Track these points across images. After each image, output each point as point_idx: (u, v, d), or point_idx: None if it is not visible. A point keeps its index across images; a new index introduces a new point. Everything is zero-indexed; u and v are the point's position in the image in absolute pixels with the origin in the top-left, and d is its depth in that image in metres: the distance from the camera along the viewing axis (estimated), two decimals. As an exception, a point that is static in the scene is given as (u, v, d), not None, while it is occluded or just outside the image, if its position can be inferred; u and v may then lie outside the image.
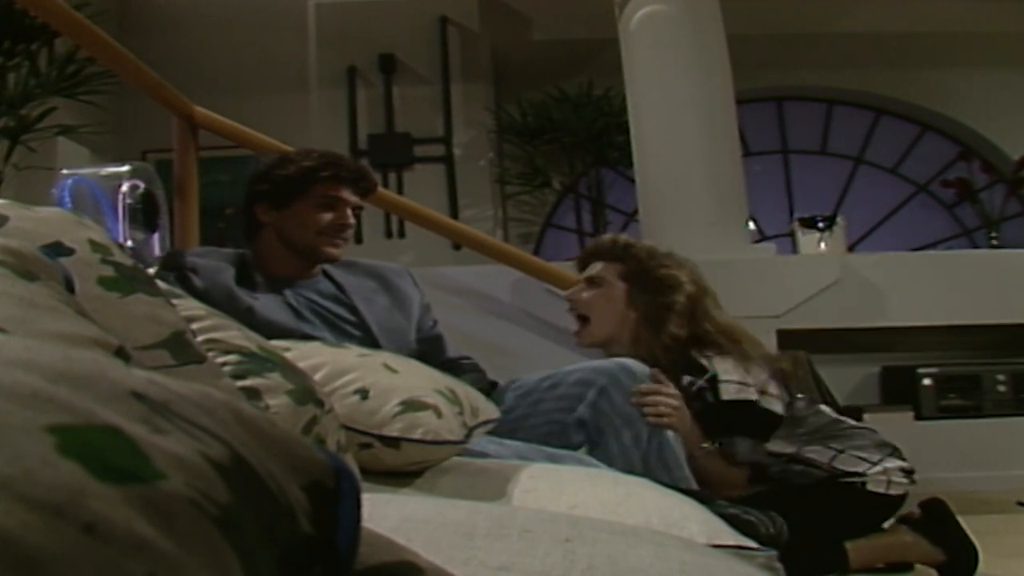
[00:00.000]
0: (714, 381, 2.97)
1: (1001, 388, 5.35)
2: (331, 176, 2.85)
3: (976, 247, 8.26)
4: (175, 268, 2.75)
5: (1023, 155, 7.97)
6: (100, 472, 0.35)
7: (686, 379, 2.99)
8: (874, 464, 2.98)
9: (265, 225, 2.87)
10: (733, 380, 2.97)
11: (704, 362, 3.01)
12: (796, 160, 8.83)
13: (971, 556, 2.94)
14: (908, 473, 3.06)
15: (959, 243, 8.50)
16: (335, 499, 0.45)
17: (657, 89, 5.77)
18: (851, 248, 7.45)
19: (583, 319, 3.17)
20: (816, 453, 3.02)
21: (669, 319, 3.04)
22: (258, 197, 2.89)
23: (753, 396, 2.97)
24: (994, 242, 7.92)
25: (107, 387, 0.40)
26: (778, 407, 3.03)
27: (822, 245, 5.85)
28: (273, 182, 2.86)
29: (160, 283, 1.29)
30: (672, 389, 2.73)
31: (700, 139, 5.61)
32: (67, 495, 0.33)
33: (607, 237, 3.25)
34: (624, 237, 3.25)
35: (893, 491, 2.97)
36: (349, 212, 2.88)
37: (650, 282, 3.10)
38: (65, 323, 0.72)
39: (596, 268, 3.15)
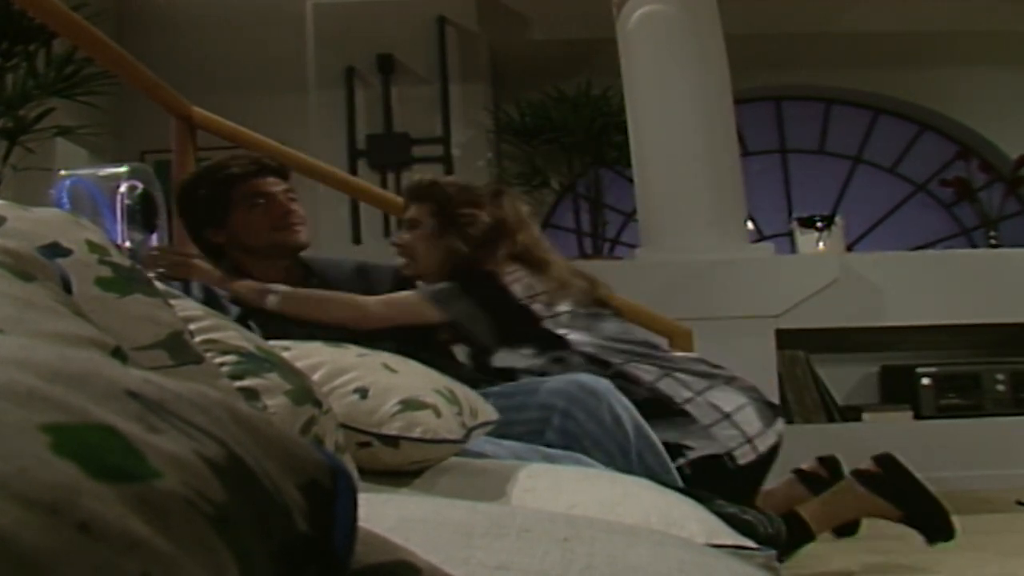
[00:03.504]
0: None
1: (1000, 387, 5.36)
2: (240, 175, 2.88)
3: (975, 246, 8.25)
4: None
5: (1022, 154, 7.96)
6: (95, 471, 0.35)
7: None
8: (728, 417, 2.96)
9: (223, 245, 2.92)
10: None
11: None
12: (794, 159, 8.82)
13: (939, 510, 2.94)
14: (772, 411, 3.06)
15: (958, 242, 8.50)
16: (332, 498, 0.45)
17: (655, 89, 5.78)
18: (850, 247, 7.44)
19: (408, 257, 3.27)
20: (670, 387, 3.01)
21: (470, 254, 3.15)
22: (199, 224, 2.93)
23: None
24: (993, 241, 7.90)
25: (102, 386, 0.40)
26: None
27: (820, 245, 5.85)
28: (199, 206, 2.91)
29: (158, 283, 1.29)
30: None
31: (698, 139, 5.62)
32: (62, 494, 0.33)
33: (415, 179, 3.36)
34: (430, 177, 3.36)
35: (762, 448, 2.94)
36: (281, 198, 2.90)
37: (452, 219, 3.18)
38: (62, 323, 0.72)
39: (411, 211, 3.22)
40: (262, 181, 2.90)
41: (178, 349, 1.11)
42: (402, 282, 3.13)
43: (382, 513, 1.05)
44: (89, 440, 0.37)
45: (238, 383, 1.29)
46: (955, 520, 3.01)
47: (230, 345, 1.35)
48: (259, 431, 0.43)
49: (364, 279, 3.03)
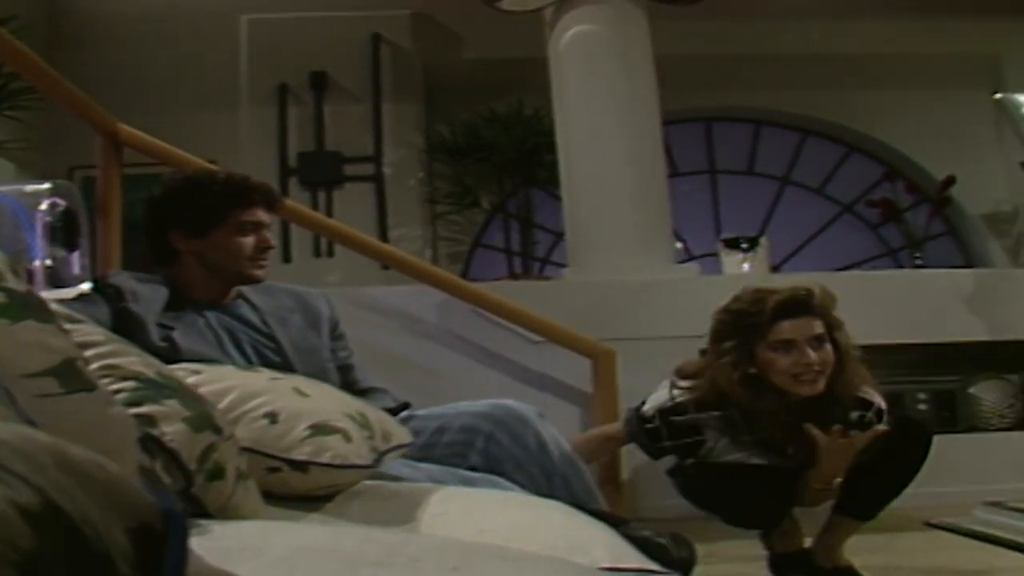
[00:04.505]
0: (881, 414, 3.23)
1: (922, 407, 5.44)
2: (247, 201, 2.82)
3: (900, 267, 8.36)
4: (109, 288, 2.70)
5: (947, 176, 8.09)
6: None
7: (855, 415, 3.22)
8: None
9: (182, 252, 2.83)
10: (885, 410, 3.25)
11: (866, 396, 3.23)
12: (724, 180, 8.90)
13: None
14: None
15: (884, 263, 8.60)
16: (162, 542, 0.45)
17: (584, 109, 5.81)
18: (777, 267, 7.51)
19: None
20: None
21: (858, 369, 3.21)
22: (170, 224, 2.83)
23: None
24: (918, 262, 8.03)
25: (-85, 435, 0.40)
26: None
27: (746, 266, 5.90)
28: (185, 210, 2.82)
29: (58, 307, 1.28)
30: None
31: (626, 159, 5.66)
32: None
33: (810, 291, 3.20)
34: (818, 291, 3.24)
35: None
36: (266, 233, 2.86)
37: (840, 335, 3.18)
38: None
39: (817, 326, 3.13)
40: (259, 210, 2.85)
41: (69, 377, 1.10)
42: (326, 308, 3.07)
43: (273, 542, 1.05)
44: None
45: (135, 410, 1.28)
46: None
47: (130, 371, 1.34)
48: (88, 476, 0.44)
49: (302, 309, 2.98)
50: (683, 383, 3.34)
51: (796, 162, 8.92)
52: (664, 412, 3.32)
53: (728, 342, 3.16)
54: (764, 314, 3.11)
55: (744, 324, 3.15)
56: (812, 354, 3.07)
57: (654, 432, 3.35)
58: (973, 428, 5.52)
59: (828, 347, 3.11)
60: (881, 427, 3.16)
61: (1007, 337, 5.56)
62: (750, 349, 3.13)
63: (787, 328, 3.09)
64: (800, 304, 3.13)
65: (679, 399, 3.31)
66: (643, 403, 3.48)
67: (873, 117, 8.71)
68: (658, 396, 3.41)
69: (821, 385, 3.11)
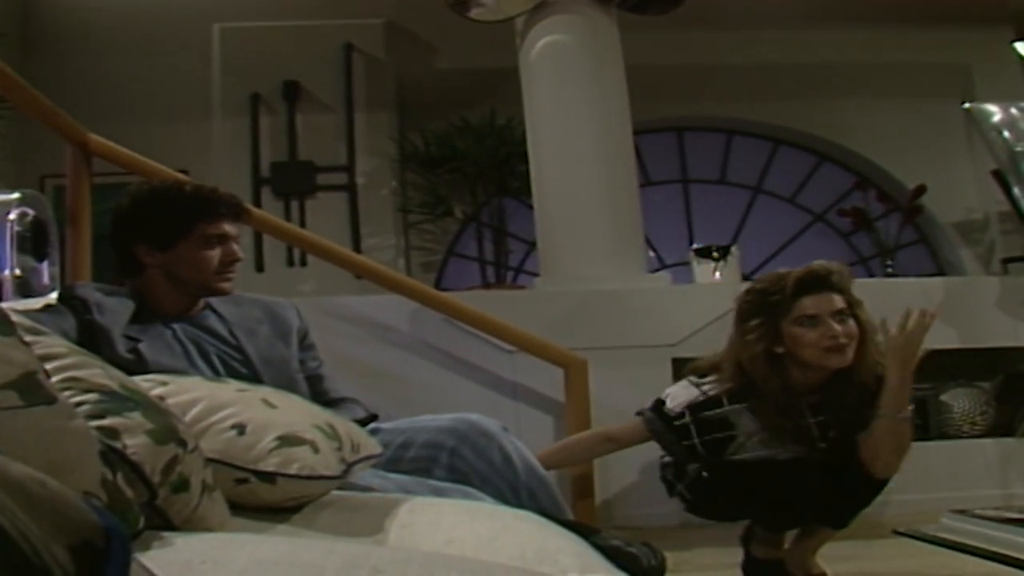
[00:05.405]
0: None
1: (893, 414, 5.45)
2: (212, 214, 2.79)
3: (872, 275, 8.39)
4: (74, 300, 2.67)
5: (918, 184, 8.13)
6: None
7: None
8: None
9: (148, 265, 2.80)
10: None
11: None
12: (696, 189, 8.92)
13: None
14: None
15: (855, 271, 8.55)
16: (104, 559, 0.45)
17: (555, 118, 5.82)
18: (749, 276, 7.53)
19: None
20: None
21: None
22: (136, 237, 2.79)
23: None
24: (889, 270, 8.06)
25: None
26: None
27: (717, 275, 5.92)
28: (151, 223, 2.78)
29: (20, 318, 1.27)
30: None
31: (598, 169, 5.66)
32: None
33: (828, 268, 3.28)
34: (836, 268, 3.30)
35: None
36: (234, 245, 2.84)
37: (861, 312, 3.24)
38: None
39: (837, 301, 3.19)
40: (225, 223, 2.82)
41: (29, 390, 1.09)
42: (294, 318, 3.05)
43: (234, 555, 1.05)
44: None
45: (98, 422, 1.27)
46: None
47: (93, 383, 1.34)
48: (28, 493, 0.43)
49: (271, 319, 2.96)
50: (706, 379, 3.33)
51: (768, 171, 8.95)
52: (696, 407, 3.29)
53: (753, 320, 3.20)
54: (786, 291, 3.18)
55: (768, 302, 3.20)
56: (837, 327, 3.12)
57: (683, 430, 3.32)
58: (944, 436, 5.55)
59: (852, 322, 3.16)
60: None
61: (978, 345, 5.59)
62: (775, 326, 3.17)
63: (810, 304, 3.17)
64: (820, 280, 3.20)
65: (711, 392, 3.30)
66: (661, 403, 3.41)
67: (844, 126, 8.75)
68: (681, 394, 3.37)
69: (850, 356, 3.17)
